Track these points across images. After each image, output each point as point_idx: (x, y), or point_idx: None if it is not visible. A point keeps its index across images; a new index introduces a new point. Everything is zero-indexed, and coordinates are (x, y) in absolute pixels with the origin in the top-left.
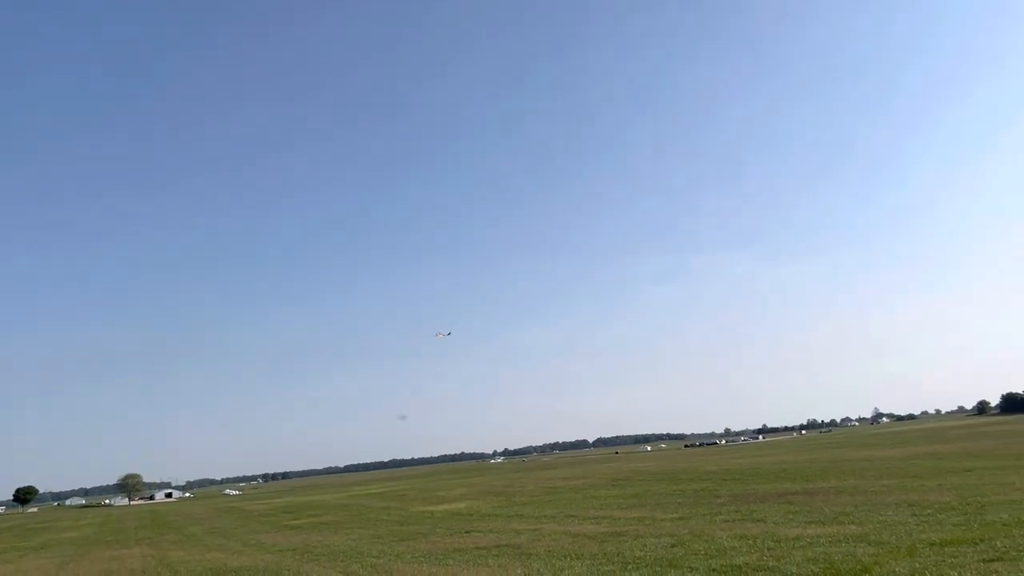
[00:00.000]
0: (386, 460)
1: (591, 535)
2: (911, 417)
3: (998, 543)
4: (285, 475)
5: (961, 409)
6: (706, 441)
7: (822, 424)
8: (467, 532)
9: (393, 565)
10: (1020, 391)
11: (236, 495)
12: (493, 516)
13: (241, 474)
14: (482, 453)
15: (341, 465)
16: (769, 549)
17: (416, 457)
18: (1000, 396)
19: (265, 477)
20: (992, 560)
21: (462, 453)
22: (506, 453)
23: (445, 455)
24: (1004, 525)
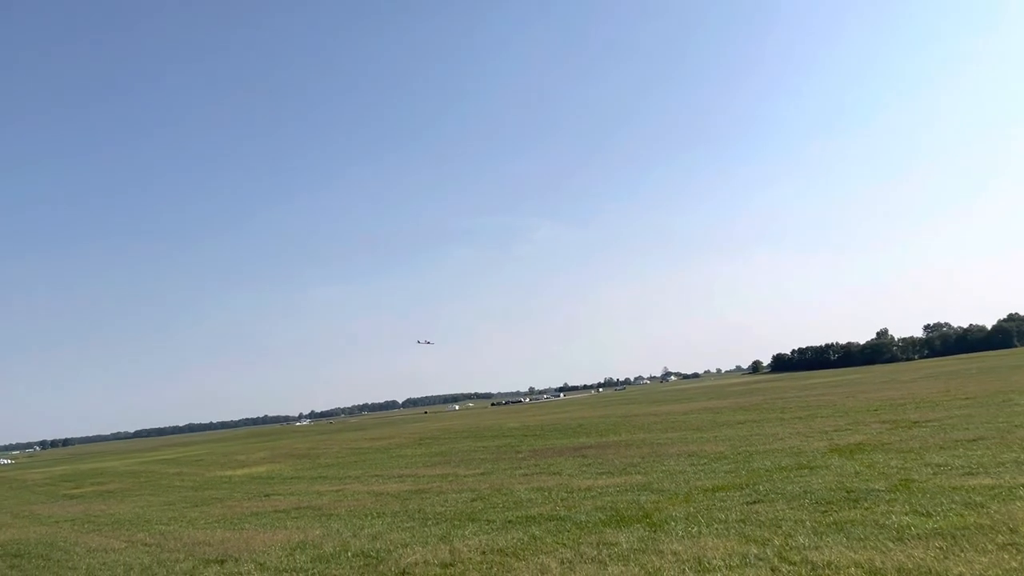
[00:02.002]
0: (182, 425)
1: (394, 493)
2: (696, 376)
3: (760, 487)
4: (66, 442)
5: (738, 368)
6: (512, 399)
7: (618, 382)
8: (266, 496)
9: (184, 531)
10: (787, 352)
11: (7, 464)
12: (295, 479)
13: (13, 441)
14: (287, 416)
15: (131, 430)
16: (562, 500)
17: (216, 421)
18: (771, 357)
19: (43, 444)
20: (754, 502)
21: (265, 416)
22: (312, 416)
23: (247, 419)
24: (766, 471)
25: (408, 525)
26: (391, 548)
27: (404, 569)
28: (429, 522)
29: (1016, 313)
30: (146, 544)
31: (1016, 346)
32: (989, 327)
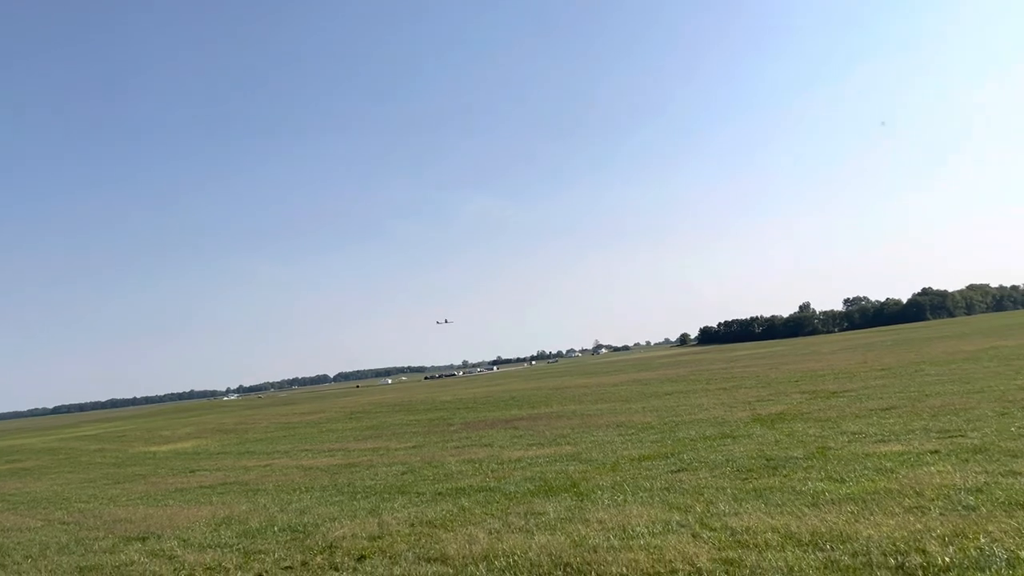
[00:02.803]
0: (104, 400)
1: (324, 468)
2: (626, 348)
3: (684, 456)
4: None
5: (667, 341)
6: (445, 373)
7: (550, 355)
8: (192, 471)
9: (105, 509)
10: (714, 325)
11: None
12: (222, 454)
13: None
14: (214, 391)
15: (50, 406)
16: (492, 471)
17: (140, 397)
18: (698, 330)
19: None
20: (678, 471)
21: (191, 391)
22: (241, 390)
23: (172, 393)
24: (691, 441)
25: (337, 499)
26: (319, 522)
27: (331, 543)
28: (358, 496)
29: (929, 288)
30: (64, 523)
31: (929, 319)
32: (904, 301)
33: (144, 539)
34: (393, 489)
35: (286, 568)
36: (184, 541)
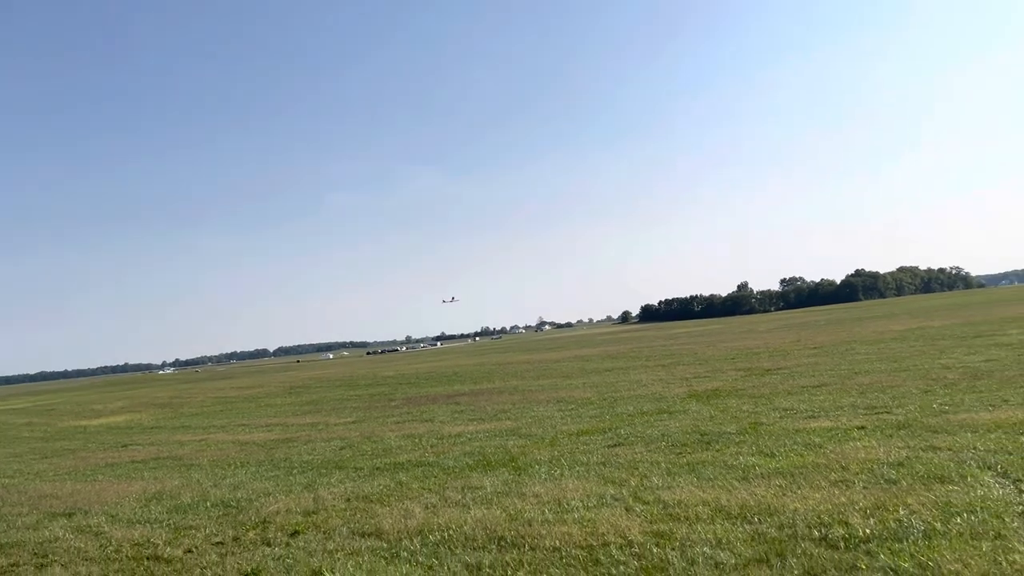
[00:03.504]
0: (33, 373)
1: (261, 443)
2: (569, 325)
3: (622, 431)
4: None
5: (609, 318)
6: (388, 348)
7: (494, 331)
8: (124, 446)
9: (30, 484)
10: (655, 303)
11: None
12: (156, 429)
13: None
14: (149, 364)
15: None
16: (432, 446)
17: (71, 370)
18: (640, 307)
19: None
20: (615, 446)
21: (125, 364)
22: (177, 364)
23: (105, 367)
24: (628, 416)
25: (272, 474)
26: (253, 497)
27: (265, 518)
28: (295, 471)
29: (862, 269)
30: None
31: (861, 299)
32: (838, 282)
33: (70, 515)
34: (330, 464)
35: (217, 544)
36: (112, 517)
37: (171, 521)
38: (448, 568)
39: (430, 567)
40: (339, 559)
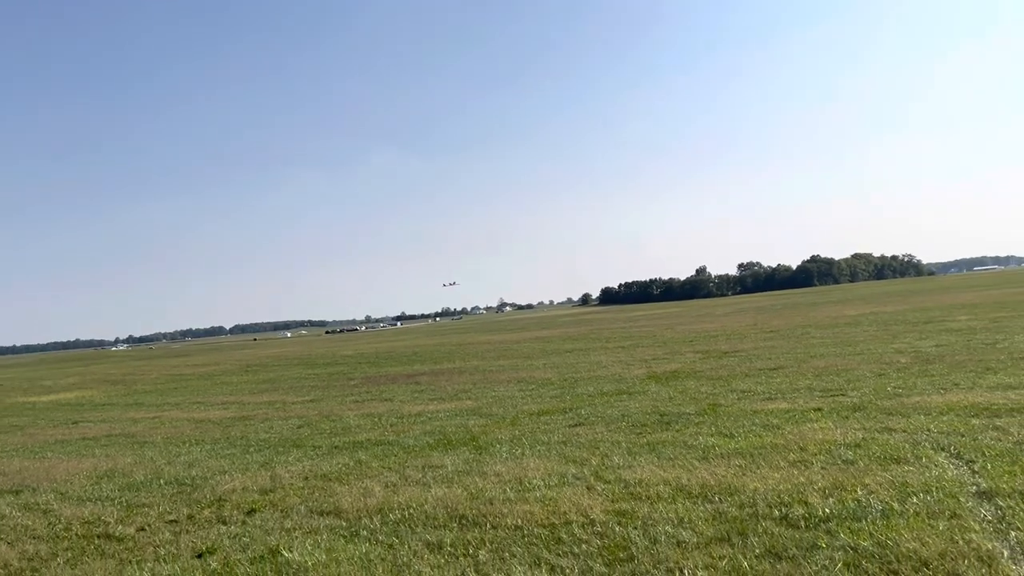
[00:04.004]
0: None
1: (216, 420)
2: (530, 307)
3: (582, 411)
4: None
5: (569, 300)
6: (347, 328)
7: (455, 312)
8: (74, 423)
9: None
10: (614, 286)
11: None
12: (108, 405)
13: None
14: (101, 340)
15: None
16: (392, 425)
17: (20, 344)
18: (600, 290)
19: None
20: (576, 425)
21: (77, 340)
22: (131, 340)
23: (56, 343)
24: (589, 396)
25: (228, 452)
26: (208, 475)
27: (220, 496)
28: (251, 449)
29: (817, 255)
30: None
31: (816, 285)
32: (794, 267)
33: (18, 492)
34: (288, 443)
35: (170, 522)
36: (62, 494)
37: (123, 499)
38: (409, 547)
39: (390, 546)
40: (297, 537)
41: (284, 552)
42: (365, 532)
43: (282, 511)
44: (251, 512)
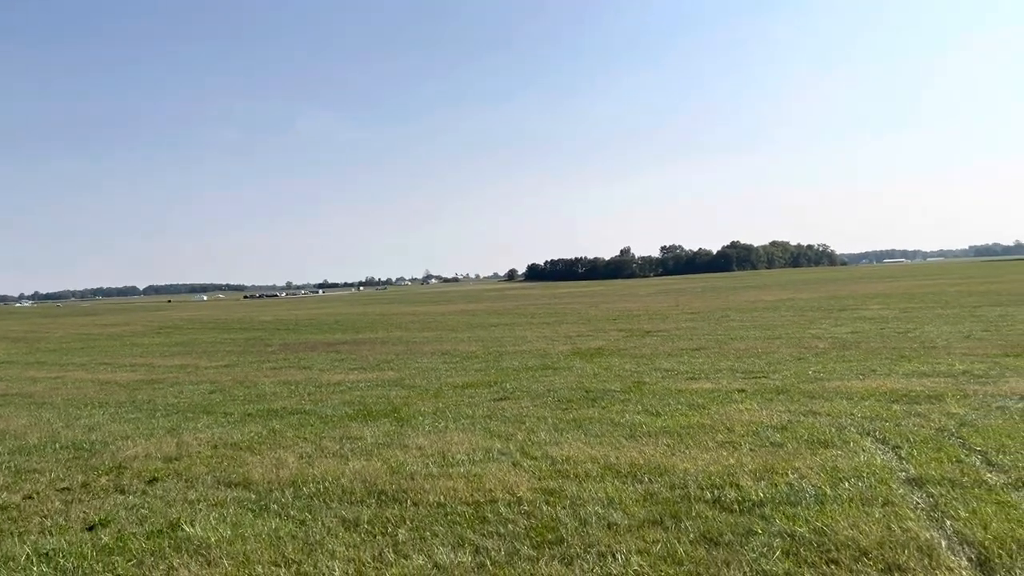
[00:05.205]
0: None
1: (123, 383)
2: (456, 280)
3: (507, 385)
4: None
5: (496, 275)
6: (268, 293)
7: (379, 282)
8: None
9: None
10: (540, 263)
11: None
12: (7, 363)
13: None
14: (4, 296)
15: None
16: (309, 394)
17: None
18: (526, 266)
19: None
20: (501, 399)
21: None
22: (36, 297)
23: None
24: (514, 371)
25: (133, 416)
26: (109, 440)
27: (121, 463)
28: (158, 414)
29: (737, 241)
30: None
31: (735, 270)
32: (714, 252)
33: None
34: (198, 408)
35: (62, 490)
36: None
37: (12, 463)
38: (322, 523)
39: (302, 521)
40: (200, 510)
41: (185, 526)
42: (276, 506)
43: (187, 481)
44: (153, 481)
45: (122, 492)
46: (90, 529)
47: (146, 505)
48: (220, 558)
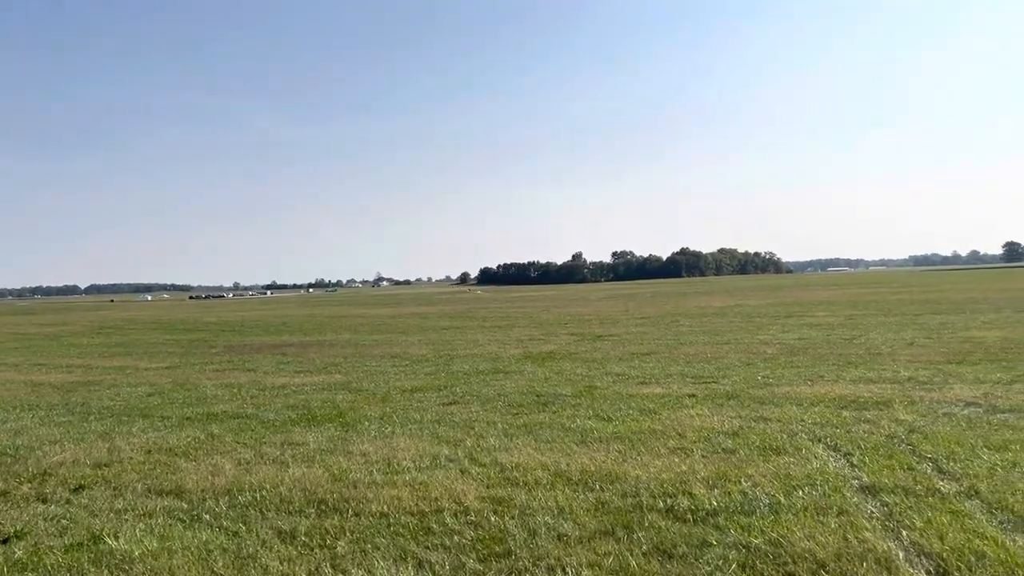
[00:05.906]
0: None
1: (57, 384)
2: (407, 282)
3: (457, 389)
4: None
5: (448, 278)
6: (213, 294)
7: (329, 284)
8: None
9: None
10: (493, 267)
11: None
12: None
13: None
14: None
15: None
16: (252, 398)
17: None
18: (479, 269)
19: None
20: (450, 404)
21: None
22: None
23: None
24: (464, 375)
25: (65, 419)
26: (35, 445)
27: (46, 469)
28: (91, 417)
29: (687, 248)
30: None
31: (684, 276)
32: (664, 258)
33: None
34: (135, 412)
35: None
36: None
37: None
38: (256, 535)
39: (235, 533)
40: (127, 520)
41: (108, 539)
42: (208, 516)
43: (115, 489)
44: (78, 489)
45: (44, 501)
46: (4, 542)
47: (68, 515)
48: (143, 573)
